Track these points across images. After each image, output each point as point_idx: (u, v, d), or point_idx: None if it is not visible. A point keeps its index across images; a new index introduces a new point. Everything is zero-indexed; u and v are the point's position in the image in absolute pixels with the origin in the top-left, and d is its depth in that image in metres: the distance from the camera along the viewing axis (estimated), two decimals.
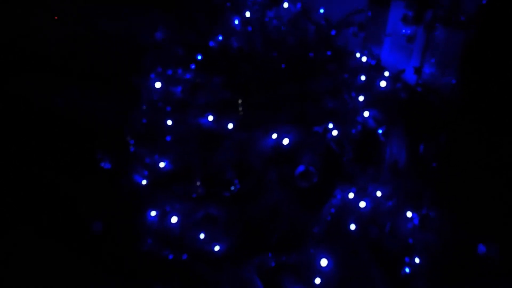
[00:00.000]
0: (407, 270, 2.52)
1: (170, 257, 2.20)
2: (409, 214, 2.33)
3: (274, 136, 2.23)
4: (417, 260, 2.51)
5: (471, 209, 2.46)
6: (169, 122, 2.44)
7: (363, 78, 2.59)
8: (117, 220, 2.27)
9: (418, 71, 2.55)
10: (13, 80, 2.91)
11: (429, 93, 2.52)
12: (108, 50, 2.94)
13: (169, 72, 2.50)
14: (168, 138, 2.51)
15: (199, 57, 2.67)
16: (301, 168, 2.10)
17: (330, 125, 2.27)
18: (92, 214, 2.27)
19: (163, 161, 2.52)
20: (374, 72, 2.68)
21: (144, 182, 2.49)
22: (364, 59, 2.77)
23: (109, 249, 2.18)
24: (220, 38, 2.79)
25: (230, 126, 2.30)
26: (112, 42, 2.87)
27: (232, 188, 2.19)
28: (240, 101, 2.26)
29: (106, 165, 2.33)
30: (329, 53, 2.35)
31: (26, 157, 2.63)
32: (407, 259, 2.53)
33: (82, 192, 2.35)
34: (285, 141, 2.17)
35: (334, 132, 2.24)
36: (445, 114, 2.40)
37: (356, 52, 2.78)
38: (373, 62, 2.75)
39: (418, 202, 2.44)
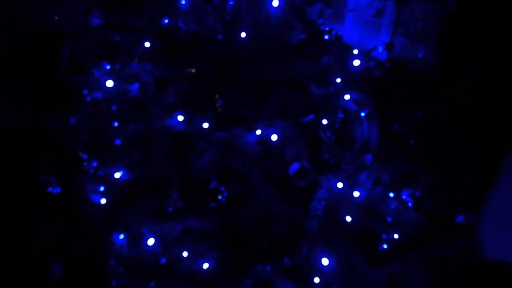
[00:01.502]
0: (385, 246, 2.50)
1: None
2: (392, 196, 2.28)
3: (258, 132, 1.96)
4: (395, 236, 2.50)
5: (452, 184, 2.50)
6: (116, 124, 2.02)
7: (357, 62, 2.41)
8: (81, 254, 1.84)
9: (389, 47, 2.45)
10: None
11: (401, 69, 2.44)
12: (33, 41, 2.32)
13: (117, 66, 2.06)
14: (126, 143, 2.10)
15: (147, 44, 2.24)
16: (296, 166, 1.88)
17: (317, 114, 2.07)
18: (47, 255, 1.80)
19: (120, 171, 2.11)
20: (341, 50, 2.53)
21: (103, 201, 2.07)
22: (326, 37, 2.60)
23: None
24: (166, 21, 2.39)
25: (206, 125, 1.97)
26: (35, 30, 2.26)
27: (220, 197, 1.89)
28: (217, 96, 1.93)
29: (54, 189, 1.86)
30: (303, 35, 2.11)
31: None
32: (384, 236, 2.51)
33: (29, 228, 1.84)
34: (274, 137, 1.92)
35: (324, 121, 2.05)
36: (421, 90, 2.36)
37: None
38: (333, 38, 2.60)
39: (404, 183, 2.41)
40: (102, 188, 2.08)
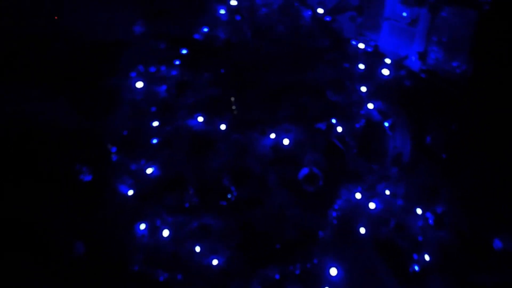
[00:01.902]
0: (416, 267, 2.36)
1: (161, 278, 1.98)
2: (419, 211, 2.16)
3: (273, 136, 2.01)
4: (427, 258, 2.36)
5: (487, 202, 2.30)
6: (155, 124, 2.20)
7: (361, 66, 2.39)
8: (103, 237, 2.02)
9: (422, 56, 2.35)
10: None
11: (435, 80, 2.33)
12: (80, 49, 2.64)
13: (152, 69, 2.25)
14: (155, 141, 2.27)
15: (184, 51, 2.41)
16: (305, 170, 1.90)
17: (333, 121, 2.06)
18: (72, 233, 2.02)
19: (150, 167, 2.28)
20: (374, 59, 2.48)
21: (130, 192, 2.26)
22: (361, 46, 2.57)
23: (93, 273, 1.94)
24: (206, 29, 2.55)
25: (223, 127, 2.07)
26: (82, 39, 2.57)
27: (229, 196, 1.97)
28: (233, 99, 2.03)
29: (86, 177, 2.08)
30: (326, 41, 2.13)
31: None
32: (415, 256, 2.38)
33: (58, 208, 2.09)
34: (285, 142, 1.96)
35: (339, 129, 2.04)
36: (456, 101, 2.22)
37: (351, 39, 2.58)
38: (370, 49, 2.56)
39: (430, 199, 2.27)
40: (130, 181, 2.28)
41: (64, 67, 2.50)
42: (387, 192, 2.24)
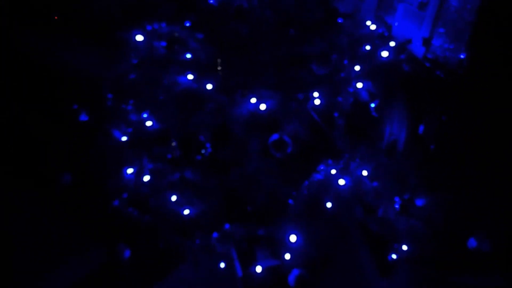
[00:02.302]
0: (394, 256, 2.37)
1: (135, 214, 2.15)
2: (393, 197, 2.15)
3: (253, 100, 2.07)
4: (404, 247, 2.36)
5: (465, 199, 2.23)
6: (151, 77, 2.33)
7: (367, 47, 2.36)
8: (90, 173, 2.23)
9: (426, 42, 2.27)
10: None
11: (435, 67, 2.25)
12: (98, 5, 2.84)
13: (156, 26, 2.37)
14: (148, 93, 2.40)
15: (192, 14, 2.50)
16: (275, 136, 1.95)
17: (315, 94, 2.08)
18: (63, 164, 2.25)
19: (150, 120, 2.44)
20: (380, 41, 2.43)
21: (124, 138, 2.43)
22: (373, 27, 2.52)
23: (75, 202, 2.16)
24: None
25: (209, 86, 2.17)
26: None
27: (203, 151, 2.08)
28: (219, 61, 2.11)
29: (83, 117, 2.28)
30: (321, 14, 2.12)
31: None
32: (395, 245, 2.38)
33: (53, 140, 2.31)
34: (262, 107, 2.02)
35: (317, 101, 2.06)
36: (450, 92, 2.14)
37: (366, 20, 2.54)
38: (381, 30, 2.51)
39: (405, 185, 2.25)
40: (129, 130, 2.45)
41: (88, 21, 2.73)
42: (364, 173, 2.24)
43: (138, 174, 2.32)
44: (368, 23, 2.53)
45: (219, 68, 2.13)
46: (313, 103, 2.07)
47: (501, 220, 2.19)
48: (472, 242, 2.28)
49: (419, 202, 2.35)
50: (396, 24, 2.62)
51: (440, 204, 2.31)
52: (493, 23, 1.81)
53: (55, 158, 2.29)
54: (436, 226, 2.34)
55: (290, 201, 2.22)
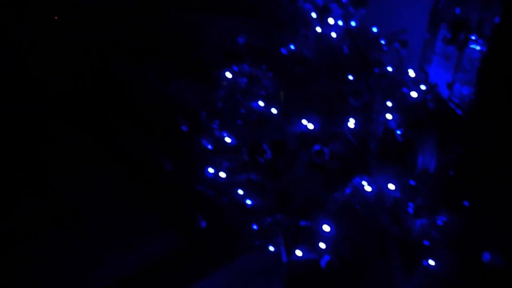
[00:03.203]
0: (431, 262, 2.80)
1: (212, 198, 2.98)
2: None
3: (304, 122, 2.83)
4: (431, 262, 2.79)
5: (481, 217, 2.64)
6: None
7: (402, 89, 2.99)
8: (184, 166, 3.16)
9: (449, 86, 2.85)
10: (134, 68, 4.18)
11: (457, 107, 2.79)
12: (206, 51, 3.95)
13: (240, 67, 3.30)
14: (239, 122, 3.28)
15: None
16: (317, 147, 2.66)
17: (351, 120, 2.76)
18: (167, 156, 3.23)
19: (229, 137, 3.32)
20: (413, 85, 3.06)
21: (209, 147, 3.34)
22: (412, 73, 3.17)
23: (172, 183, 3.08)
24: (292, 47, 3.48)
25: (274, 111, 2.98)
26: (209, 45, 3.86)
27: (265, 156, 2.85)
28: (282, 92, 2.92)
29: (184, 127, 3.25)
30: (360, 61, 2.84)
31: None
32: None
33: (164, 142, 3.32)
34: (310, 126, 2.76)
35: (351, 125, 2.73)
36: (464, 127, 2.66)
37: (409, 68, 3.20)
38: (419, 77, 3.14)
39: (425, 200, 2.74)
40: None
41: (190, 62, 3.84)
42: (391, 187, 2.80)
43: (217, 172, 3.17)
44: (410, 71, 3.18)
45: (281, 97, 2.94)
46: (349, 127, 2.74)
47: None
48: (486, 256, 2.65)
49: (439, 221, 2.81)
50: (431, 72, 3.23)
51: (458, 221, 2.74)
52: (496, 71, 2.36)
53: (161, 151, 3.29)
54: (455, 241, 2.76)
55: (328, 202, 2.86)
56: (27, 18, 4.89)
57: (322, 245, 2.80)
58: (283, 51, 3.30)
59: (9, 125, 4.46)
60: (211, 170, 3.24)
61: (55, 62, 5.04)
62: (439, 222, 2.80)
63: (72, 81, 5.09)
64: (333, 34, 3.13)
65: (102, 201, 3.70)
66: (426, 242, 2.83)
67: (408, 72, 3.19)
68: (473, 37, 2.58)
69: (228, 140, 3.26)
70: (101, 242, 3.33)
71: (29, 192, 3.73)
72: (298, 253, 2.86)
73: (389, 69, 2.97)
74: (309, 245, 2.92)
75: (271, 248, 3.02)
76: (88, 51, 5.16)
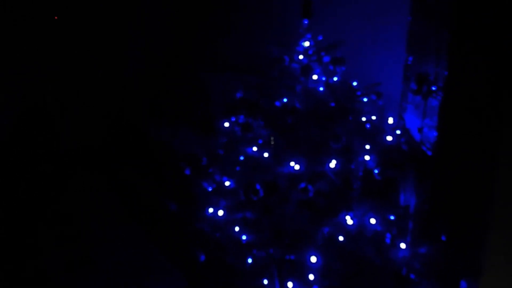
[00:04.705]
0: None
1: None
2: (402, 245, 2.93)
3: (292, 163, 3.21)
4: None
5: (458, 247, 2.89)
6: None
7: (389, 138, 3.38)
8: (185, 207, 3.50)
9: (420, 130, 3.24)
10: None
11: (428, 149, 3.16)
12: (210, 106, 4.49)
13: (233, 118, 3.75)
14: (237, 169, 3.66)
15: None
16: (302, 184, 3.01)
17: (333, 161, 3.13)
18: (170, 198, 3.58)
19: (228, 181, 3.70)
20: (390, 130, 3.46)
21: (210, 189, 3.70)
22: (391, 120, 3.59)
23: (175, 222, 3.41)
24: (285, 100, 3.95)
25: (266, 155, 3.38)
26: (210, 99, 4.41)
27: (257, 194, 3.19)
28: (272, 138, 3.34)
29: (187, 171, 3.64)
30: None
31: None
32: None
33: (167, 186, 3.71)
34: (297, 167, 3.13)
35: (332, 165, 3.10)
36: (429, 165, 3.01)
37: (389, 116, 3.63)
38: (396, 124, 3.56)
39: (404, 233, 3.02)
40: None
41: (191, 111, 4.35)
42: (373, 221, 3.09)
43: (216, 211, 3.50)
44: (390, 118, 3.61)
45: (272, 143, 3.35)
46: (331, 167, 3.11)
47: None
48: (463, 284, 2.86)
49: (421, 250, 3.06)
50: (407, 118, 3.64)
51: (437, 252, 2.99)
52: (450, 116, 2.76)
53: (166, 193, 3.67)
54: (434, 271, 2.98)
55: (315, 236, 3.14)
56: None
57: (311, 277, 3.04)
58: (277, 103, 3.77)
59: (35, 175, 4.95)
60: (210, 210, 3.58)
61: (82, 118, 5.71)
62: (420, 253, 3.05)
63: (95, 135, 5.71)
64: (320, 88, 3.61)
65: (115, 243, 4.02)
66: (404, 271, 3.05)
67: (387, 119, 3.62)
68: (433, 88, 3.01)
69: (227, 183, 3.63)
70: (111, 280, 3.61)
71: (46, 238, 4.10)
72: (290, 285, 3.08)
73: (373, 117, 3.39)
74: (300, 277, 3.15)
75: (265, 282, 3.25)
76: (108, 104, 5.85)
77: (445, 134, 2.82)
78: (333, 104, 3.38)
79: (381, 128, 3.43)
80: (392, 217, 3.17)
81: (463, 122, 2.67)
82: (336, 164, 3.14)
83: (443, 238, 2.95)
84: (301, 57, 3.67)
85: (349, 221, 3.01)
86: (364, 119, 3.35)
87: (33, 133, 5.43)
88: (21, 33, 5.41)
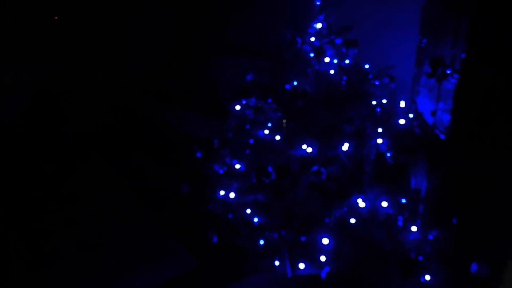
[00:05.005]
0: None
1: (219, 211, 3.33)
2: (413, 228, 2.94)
3: (304, 146, 3.21)
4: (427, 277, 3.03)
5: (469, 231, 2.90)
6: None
7: (402, 121, 3.36)
8: (197, 189, 3.54)
9: (433, 114, 3.22)
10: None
11: (441, 132, 3.14)
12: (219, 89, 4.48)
13: (243, 101, 3.74)
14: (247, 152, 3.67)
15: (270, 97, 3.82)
16: (315, 167, 3.02)
17: (346, 144, 3.13)
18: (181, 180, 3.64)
19: (238, 164, 3.71)
20: (402, 114, 3.44)
21: (221, 172, 3.72)
22: (402, 104, 3.56)
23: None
24: (295, 83, 3.93)
25: (278, 137, 3.38)
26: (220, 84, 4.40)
27: (269, 177, 3.20)
28: (284, 121, 3.33)
29: (198, 154, 3.66)
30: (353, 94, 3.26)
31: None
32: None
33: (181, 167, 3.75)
34: (309, 150, 3.13)
35: (345, 148, 3.10)
36: (446, 149, 2.99)
37: (401, 100, 3.60)
38: (412, 107, 3.53)
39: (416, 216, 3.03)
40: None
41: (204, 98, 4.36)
42: (384, 204, 3.10)
43: (228, 193, 3.53)
44: (402, 102, 3.57)
45: (284, 126, 3.35)
46: (343, 150, 3.11)
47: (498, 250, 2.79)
48: (474, 267, 2.88)
49: (431, 236, 3.08)
50: (419, 102, 3.61)
51: (448, 236, 3.01)
52: (466, 99, 2.73)
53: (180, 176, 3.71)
54: (444, 254, 3.00)
55: (326, 219, 3.16)
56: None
57: (322, 258, 3.07)
58: (287, 86, 3.75)
59: (45, 158, 5.01)
60: (222, 192, 3.61)
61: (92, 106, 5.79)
62: (430, 237, 3.07)
63: (105, 119, 5.77)
64: (331, 71, 3.58)
65: (125, 225, 4.08)
66: (414, 255, 3.07)
67: (399, 103, 3.59)
68: (448, 72, 2.97)
69: (237, 166, 3.65)
70: (121, 261, 3.67)
71: (57, 219, 4.16)
72: (301, 266, 3.13)
73: (384, 101, 3.37)
74: (311, 259, 3.19)
75: (277, 263, 3.30)
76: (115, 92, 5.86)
77: (460, 117, 2.79)
78: (346, 87, 3.35)
79: (393, 111, 3.41)
80: (403, 200, 3.17)
81: (479, 106, 2.65)
82: (348, 147, 3.14)
83: (454, 221, 2.96)
84: (313, 39, 3.63)
85: (361, 204, 3.02)
86: (375, 102, 3.32)
87: (43, 114, 5.49)
88: (25, 33, 5.68)
